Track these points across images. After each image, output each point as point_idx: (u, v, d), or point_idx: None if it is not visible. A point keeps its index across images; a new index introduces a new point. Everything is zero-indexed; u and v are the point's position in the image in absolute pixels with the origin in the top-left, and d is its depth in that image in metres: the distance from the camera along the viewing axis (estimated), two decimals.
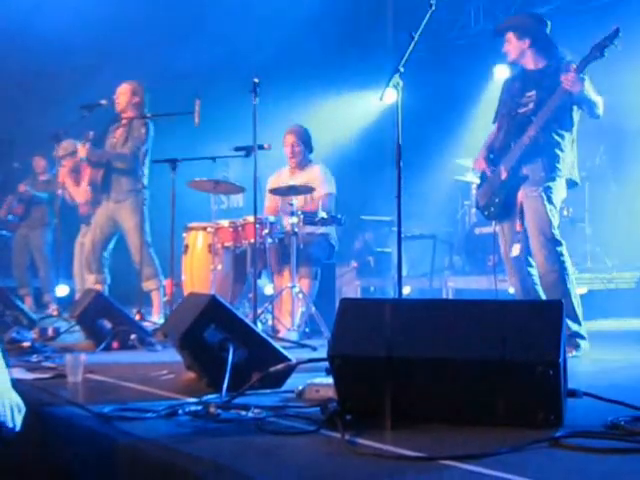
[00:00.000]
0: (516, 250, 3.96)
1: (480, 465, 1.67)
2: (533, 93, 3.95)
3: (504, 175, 4.00)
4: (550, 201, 3.85)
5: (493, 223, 4.27)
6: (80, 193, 6.57)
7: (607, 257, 6.66)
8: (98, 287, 5.71)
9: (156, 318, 5.59)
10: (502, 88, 4.24)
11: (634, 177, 6.79)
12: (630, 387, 2.79)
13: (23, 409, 2.05)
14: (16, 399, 2.04)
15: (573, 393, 2.17)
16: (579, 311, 3.80)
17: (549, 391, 1.98)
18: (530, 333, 2.04)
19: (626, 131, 6.76)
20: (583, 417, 2.08)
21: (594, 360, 3.63)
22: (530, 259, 3.98)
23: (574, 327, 3.75)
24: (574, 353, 3.68)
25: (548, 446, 1.83)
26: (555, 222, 3.86)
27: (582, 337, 3.77)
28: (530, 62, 4.01)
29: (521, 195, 3.94)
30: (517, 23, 4.06)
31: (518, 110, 4.00)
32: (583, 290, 5.77)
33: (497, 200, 4.06)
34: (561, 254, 3.81)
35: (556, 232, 3.84)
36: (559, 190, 3.92)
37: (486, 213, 4.19)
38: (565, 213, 6.42)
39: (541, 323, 2.06)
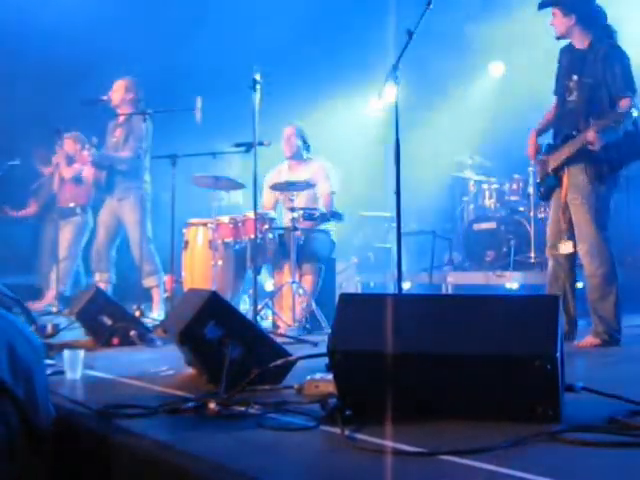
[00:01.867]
0: (566, 247, 4.00)
1: (479, 460, 1.68)
2: (576, 79, 3.94)
3: (550, 169, 4.06)
4: (593, 209, 3.86)
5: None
6: (69, 171, 6.62)
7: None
8: (102, 285, 5.76)
9: (156, 314, 5.60)
10: (559, 57, 4.18)
11: (632, 173, 6.80)
12: (628, 381, 2.79)
13: (53, 414, 2.09)
14: (51, 410, 2.09)
15: (571, 387, 2.17)
16: (618, 312, 3.87)
17: (547, 385, 1.98)
18: (528, 327, 2.04)
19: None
20: (581, 411, 2.08)
21: (592, 354, 3.64)
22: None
23: (612, 328, 3.84)
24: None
25: (546, 440, 1.83)
26: (600, 228, 3.85)
27: (619, 334, 3.86)
28: (577, 39, 3.99)
29: (565, 195, 3.97)
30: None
31: (566, 96, 4.00)
32: (582, 285, 5.77)
33: (542, 189, 4.19)
34: (606, 260, 3.85)
35: (600, 239, 3.85)
36: (604, 190, 3.89)
37: (539, 193, 4.32)
38: None
39: (538, 317, 2.06)
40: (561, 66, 4.13)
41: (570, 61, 4.04)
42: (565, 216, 3.98)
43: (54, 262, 6.59)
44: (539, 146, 4.22)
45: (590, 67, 3.88)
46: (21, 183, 7.86)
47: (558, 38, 4.07)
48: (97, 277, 6.02)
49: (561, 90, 4.08)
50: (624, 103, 3.73)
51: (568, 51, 4.08)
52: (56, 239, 6.53)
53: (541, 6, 4.08)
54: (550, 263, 4.13)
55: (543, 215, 6.13)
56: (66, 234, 6.67)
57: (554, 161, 4.03)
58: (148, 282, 5.78)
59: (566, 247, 3.99)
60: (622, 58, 3.84)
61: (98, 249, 6.05)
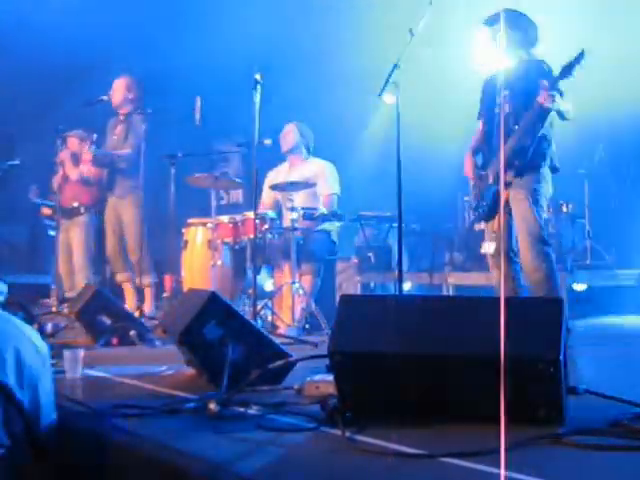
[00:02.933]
0: (487, 247, 4.06)
1: (481, 462, 1.67)
2: (507, 93, 4.07)
3: (490, 179, 4.15)
4: (537, 203, 3.97)
5: (482, 223, 4.35)
6: (75, 171, 6.59)
7: (607, 253, 6.66)
8: (128, 285, 5.93)
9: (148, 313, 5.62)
10: (482, 86, 4.35)
11: (633, 173, 6.80)
12: (631, 384, 2.77)
13: (55, 421, 2.10)
14: (54, 419, 2.10)
15: (574, 390, 2.16)
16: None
17: (550, 388, 1.97)
18: (530, 330, 2.03)
19: (624, 128, 6.77)
20: (584, 414, 2.06)
21: (595, 357, 3.63)
22: (513, 256, 4.15)
23: None
24: None
25: (550, 443, 1.82)
26: (542, 223, 3.98)
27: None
28: (512, 57, 4.10)
29: (507, 196, 4.05)
30: (506, 16, 4.10)
31: (495, 110, 4.13)
32: (583, 286, 5.77)
33: (484, 203, 4.21)
34: (548, 254, 3.94)
35: (544, 233, 3.97)
36: (545, 188, 4.04)
37: (476, 214, 4.35)
38: (565, 210, 6.45)
39: (541, 320, 2.05)
40: (486, 92, 4.25)
41: (500, 80, 4.15)
42: (500, 218, 4.03)
43: (69, 262, 6.59)
44: (474, 162, 4.28)
45: (521, 82, 4.02)
46: (21, 183, 7.85)
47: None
48: (119, 278, 6.08)
49: (486, 108, 4.20)
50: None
51: (497, 73, 4.22)
52: (55, 239, 6.52)
53: (486, 22, 4.18)
54: (497, 272, 4.17)
55: (546, 216, 6.12)
56: (74, 235, 6.66)
57: (495, 166, 4.09)
58: (139, 281, 5.85)
59: (488, 247, 4.06)
60: (549, 71, 3.97)
61: (111, 250, 6.09)
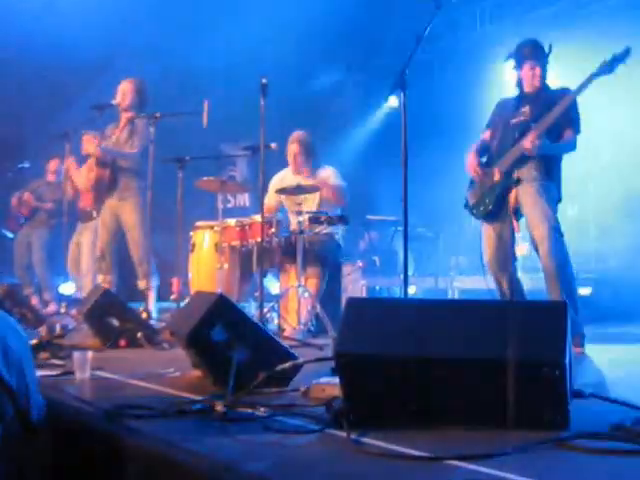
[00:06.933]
0: (523, 250, 4.05)
1: (485, 465, 1.67)
2: (527, 109, 4.09)
3: (497, 177, 4.13)
4: (548, 193, 3.97)
5: (480, 222, 4.36)
6: (81, 177, 6.60)
7: (612, 257, 6.67)
8: (106, 287, 5.79)
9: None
10: (497, 105, 4.37)
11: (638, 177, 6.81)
12: (636, 388, 2.78)
13: (44, 410, 2.13)
14: (41, 400, 2.13)
15: (579, 393, 2.16)
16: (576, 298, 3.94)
17: (555, 392, 1.97)
18: (535, 333, 2.03)
19: (630, 132, 6.79)
20: (589, 418, 2.06)
21: (600, 361, 3.63)
22: (514, 260, 4.20)
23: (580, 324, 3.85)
24: (583, 350, 3.76)
25: (554, 447, 1.82)
26: (555, 214, 3.97)
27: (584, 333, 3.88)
28: (529, 84, 4.15)
29: (514, 195, 4.05)
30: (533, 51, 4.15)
31: (511, 120, 4.14)
32: (587, 290, 5.77)
33: (487, 200, 4.17)
34: (565, 245, 3.90)
35: (557, 221, 3.93)
36: (553, 190, 4.04)
37: (475, 212, 4.31)
38: (570, 213, 6.46)
39: (546, 323, 2.06)
40: (505, 108, 4.25)
41: (519, 101, 4.18)
42: (516, 220, 4.04)
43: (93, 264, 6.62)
44: (479, 160, 4.26)
45: (543, 100, 4.04)
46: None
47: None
48: (100, 279, 6.03)
49: (502, 121, 4.20)
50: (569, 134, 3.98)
51: (516, 97, 4.24)
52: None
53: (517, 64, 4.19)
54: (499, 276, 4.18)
55: None
56: (85, 239, 6.71)
57: (504, 164, 4.09)
58: (141, 284, 5.85)
59: (522, 249, 4.05)
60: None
61: (102, 251, 6.05)
